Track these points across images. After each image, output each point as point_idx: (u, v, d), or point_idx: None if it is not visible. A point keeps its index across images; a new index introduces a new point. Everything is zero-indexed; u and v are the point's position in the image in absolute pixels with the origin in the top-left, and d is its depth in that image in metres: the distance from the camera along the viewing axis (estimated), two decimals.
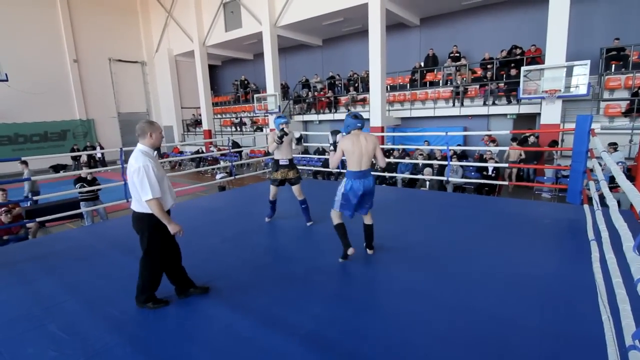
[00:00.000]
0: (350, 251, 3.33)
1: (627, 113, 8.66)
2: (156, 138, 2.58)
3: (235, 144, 14.86)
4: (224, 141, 15.85)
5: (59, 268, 3.53)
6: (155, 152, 2.62)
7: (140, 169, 2.42)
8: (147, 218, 2.53)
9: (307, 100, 15.46)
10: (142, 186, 2.41)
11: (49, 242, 4.59)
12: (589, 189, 4.72)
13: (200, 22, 16.98)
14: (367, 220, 3.52)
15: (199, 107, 18.65)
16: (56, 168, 14.73)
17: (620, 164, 6.48)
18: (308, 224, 4.55)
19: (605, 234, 2.29)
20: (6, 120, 15.88)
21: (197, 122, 19.72)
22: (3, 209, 5.37)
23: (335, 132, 3.60)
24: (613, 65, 9.63)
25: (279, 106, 14.36)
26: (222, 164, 12.91)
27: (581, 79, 8.38)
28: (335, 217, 3.42)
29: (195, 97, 18.65)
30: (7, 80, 12.89)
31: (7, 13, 15.42)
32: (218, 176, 11.54)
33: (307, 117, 15.23)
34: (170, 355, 2.17)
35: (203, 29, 17.03)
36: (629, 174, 6.15)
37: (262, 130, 16.31)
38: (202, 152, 15.07)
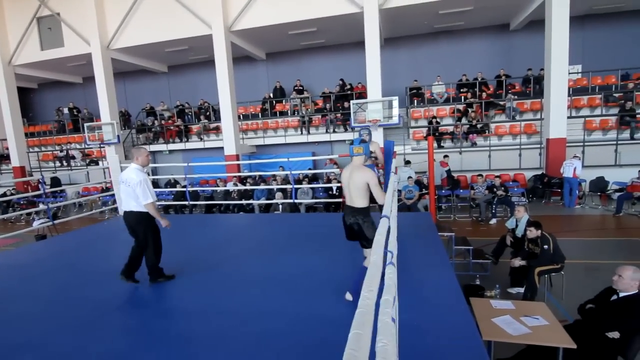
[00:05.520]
0: None
1: (425, 137, 11.16)
2: (142, 160, 3.52)
3: (56, 182, 12.46)
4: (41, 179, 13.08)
5: None
6: (145, 169, 3.57)
7: (141, 182, 3.35)
8: (146, 215, 3.43)
9: (153, 129, 14.28)
10: (144, 193, 3.35)
11: None
12: None
13: (4, 36, 13.80)
14: None
15: (5, 139, 14.90)
16: None
17: (410, 177, 8.31)
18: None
19: None
20: None
21: (3, 157, 15.67)
22: None
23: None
24: (415, 101, 12.34)
25: (118, 136, 12.79)
26: (41, 206, 10.48)
27: (394, 111, 10.38)
28: None
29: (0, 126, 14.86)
30: None
31: None
32: (36, 222, 9.39)
33: (154, 147, 14.02)
34: None
35: (8, 44, 13.84)
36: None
37: (97, 164, 14.12)
38: (11, 195, 11.97)
